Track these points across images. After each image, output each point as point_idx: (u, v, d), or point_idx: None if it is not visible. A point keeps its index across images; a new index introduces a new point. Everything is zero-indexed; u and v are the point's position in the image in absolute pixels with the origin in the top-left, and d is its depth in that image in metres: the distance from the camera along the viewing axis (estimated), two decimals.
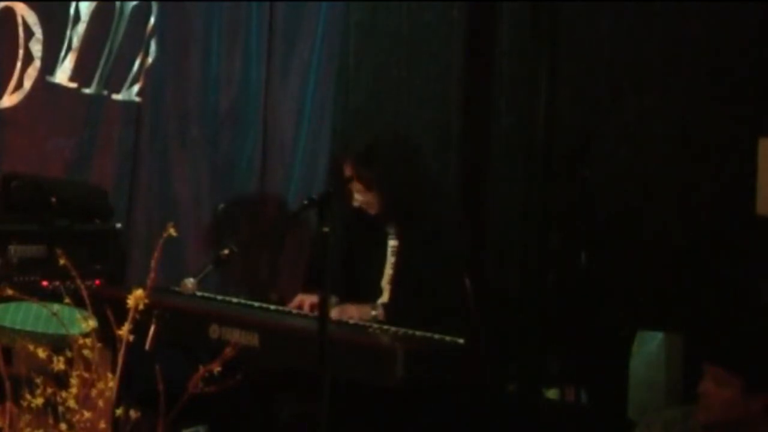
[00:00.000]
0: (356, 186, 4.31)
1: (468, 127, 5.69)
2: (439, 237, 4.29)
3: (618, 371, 4.96)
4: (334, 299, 4.26)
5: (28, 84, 4.85)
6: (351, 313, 4.19)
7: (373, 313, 4.20)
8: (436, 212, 4.37)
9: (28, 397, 2.73)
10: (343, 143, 5.47)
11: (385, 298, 4.33)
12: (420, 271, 4.26)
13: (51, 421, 2.73)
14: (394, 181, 4.30)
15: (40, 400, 2.71)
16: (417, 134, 5.56)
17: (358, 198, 4.31)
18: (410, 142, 4.70)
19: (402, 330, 3.93)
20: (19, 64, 4.82)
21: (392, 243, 4.38)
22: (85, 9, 4.92)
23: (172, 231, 2.86)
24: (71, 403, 2.69)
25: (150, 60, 5.04)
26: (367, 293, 4.34)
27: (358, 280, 4.39)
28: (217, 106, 5.22)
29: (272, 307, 4.32)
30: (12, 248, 4.43)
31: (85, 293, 2.87)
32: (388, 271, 4.37)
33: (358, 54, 5.55)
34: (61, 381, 2.74)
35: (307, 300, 4.29)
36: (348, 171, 4.35)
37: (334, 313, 4.10)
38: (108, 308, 2.82)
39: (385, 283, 4.36)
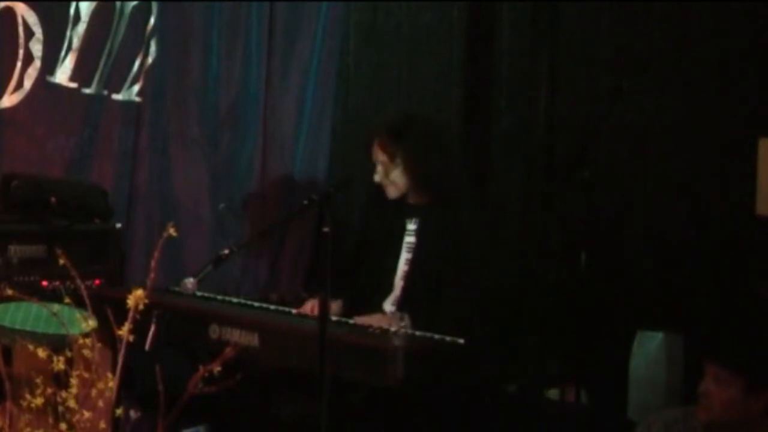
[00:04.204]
0: (381, 159, 4.29)
1: (468, 127, 5.69)
2: (460, 234, 4.26)
3: (618, 371, 4.96)
4: (337, 304, 4.27)
5: (28, 84, 4.85)
6: (380, 322, 4.10)
7: (402, 323, 4.11)
8: (460, 206, 4.33)
9: (28, 397, 2.73)
10: (343, 143, 5.47)
11: (396, 294, 4.31)
12: (437, 270, 4.23)
13: (51, 421, 2.73)
14: (421, 160, 4.26)
15: (40, 400, 2.72)
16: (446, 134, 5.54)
17: (380, 173, 4.28)
18: (444, 129, 4.72)
19: (402, 330, 3.93)
20: (19, 64, 4.83)
21: (408, 239, 4.36)
22: (85, 9, 4.92)
23: (172, 231, 2.87)
24: (71, 403, 2.69)
25: (150, 60, 5.04)
26: (379, 288, 4.33)
27: (370, 275, 4.37)
28: (217, 106, 5.22)
29: (272, 307, 4.31)
30: (12, 248, 4.43)
31: (85, 293, 2.87)
32: (402, 267, 4.34)
33: (358, 54, 5.55)
34: (61, 381, 2.74)
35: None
36: (375, 144, 4.30)
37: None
38: (108, 308, 2.82)
39: (398, 279, 4.34)
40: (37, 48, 4.85)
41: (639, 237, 5.24)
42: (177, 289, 4.17)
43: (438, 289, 4.20)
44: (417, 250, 4.30)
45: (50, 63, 4.88)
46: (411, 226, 4.34)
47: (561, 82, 5.48)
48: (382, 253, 4.37)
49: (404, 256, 4.33)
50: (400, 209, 4.35)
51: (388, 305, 4.28)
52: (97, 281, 4.46)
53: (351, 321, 4.11)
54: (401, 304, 4.25)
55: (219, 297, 4.43)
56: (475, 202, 4.47)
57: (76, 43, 4.91)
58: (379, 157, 4.28)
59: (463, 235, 4.25)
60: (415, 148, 4.27)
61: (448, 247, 4.22)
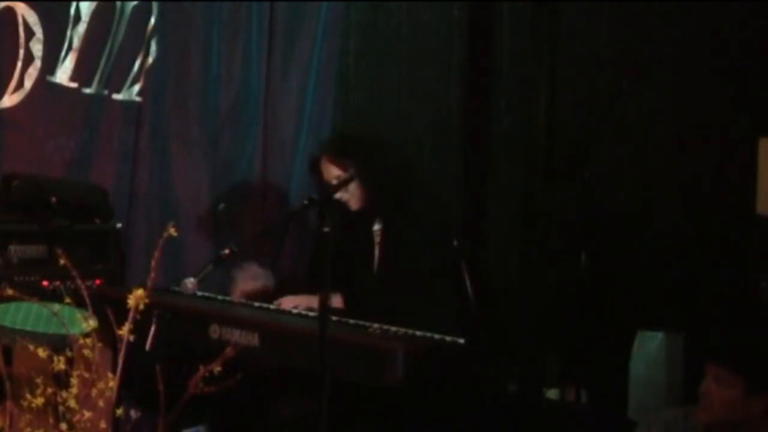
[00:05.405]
0: (335, 174, 4.33)
1: (468, 127, 5.70)
2: (425, 231, 4.32)
3: (618, 371, 4.96)
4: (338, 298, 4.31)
5: (28, 84, 4.85)
6: (297, 302, 4.25)
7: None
8: (420, 210, 4.39)
9: (29, 397, 2.74)
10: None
11: None
12: (404, 265, 4.27)
13: (51, 421, 2.73)
14: (373, 170, 4.34)
15: (40, 400, 2.72)
16: (417, 134, 5.57)
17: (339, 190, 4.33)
18: (386, 139, 4.90)
19: (402, 330, 3.93)
20: (19, 64, 4.82)
21: (378, 240, 4.41)
22: (86, 9, 4.92)
23: (172, 231, 2.87)
24: (72, 403, 2.70)
25: (150, 60, 5.04)
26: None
27: (351, 275, 4.40)
28: (217, 106, 5.22)
29: (272, 307, 4.32)
30: (12, 248, 4.43)
31: (85, 293, 2.87)
32: (376, 266, 4.40)
33: (358, 54, 5.55)
34: (61, 381, 2.74)
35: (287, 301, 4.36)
36: (325, 162, 4.38)
37: (281, 303, 4.26)
38: (108, 308, 2.82)
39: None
40: (37, 48, 4.85)
41: (639, 237, 5.25)
42: (177, 289, 4.17)
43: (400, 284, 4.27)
44: (383, 248, 4.36)
45: (50, 63, 4.87)
46: (377, 226, 4.42)
47: (561, 82, 5.49)
48: (356, 253, 4.40)
49: (376, 255, 4.38)
50: (365, 214, 4.40)
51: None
52: (97, 281, 4.45)
53: (275, 303, 4.27)
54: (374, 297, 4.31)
55: (219, 297, 4.43)
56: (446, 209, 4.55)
57: (76, 43, 4.91)
58: (333, 172, 4.34)
59: (426, 232, 4.34)
60: (365, 154, 4.37)
61: (411, 244, 4.30)
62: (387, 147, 4.63)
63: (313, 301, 4.26)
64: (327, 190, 4.25)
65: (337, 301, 4.29)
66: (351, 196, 4.35)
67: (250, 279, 4.55)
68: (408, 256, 4.28)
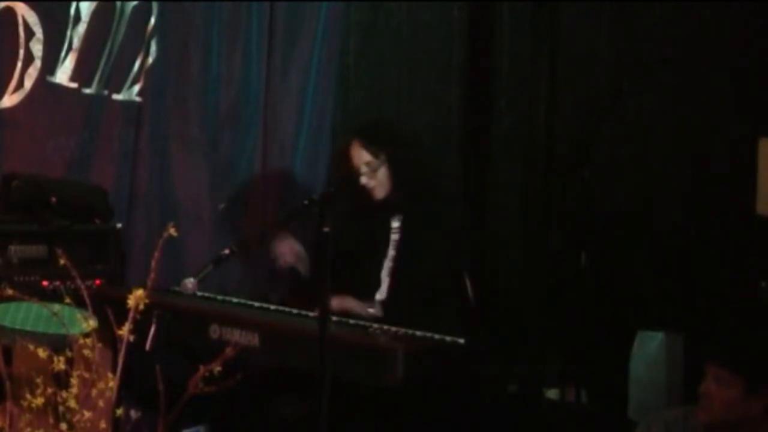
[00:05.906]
0: (366, 160, 4.35)
1: (468, 127, 5.70)
2: (440, 232, 4.33)
3: (618, 371, 4.96)
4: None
5: (28, 84, 4.85)
6: (351, 305, 4.25)
7: (371, 311, 4.24)
8: (439, 205, 4.42)
9: (29, 397, 2.74)
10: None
11: (383, 289, 4.34)
12: (420, 266, 4.27)
13: (51, 421, 2.73)
14: (403, 160, 4.38)
15: (40, 400, 2.72)
16: (417, 134, 5.57)
17: (366, 174, 4.34)
18: (410, 129, 5.01)
19: (402, 330, 3.93)
20: (19, 64, 4.83)
21: (394, 237, 4.40)
22: (86, 9, 4.92)
23: (172, 231, 2.87)
24: (72, 403, 2.70)
25: (150, 60, 5.04)
26: (366, 284, 4.36)
27: (357, 271, 4.40)
28: (217, 106, 5.22)
29: (272, 307, 4.32)
30: (12, 248, 4.43)
31: (85, 293, 2.87)
32: (388, 263, 4.39)
33: (358, 54, 5.55)
34: (61, 381, 2.74)
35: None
36: (356, 146, 4.39)
37: (334, 303, 4.17)
38: (108, 308, 2.82)
39: (384, 275, 4.38)
40: (37, 48, 4.85)
41: (639, 237, 5.24)
42: (177, 289, 4.17)
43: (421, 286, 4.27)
44: (401, 245, 4.35)
45: (50, 63, 4.88)
46: (395, 223, 4.40)
47: (561, 82, 5.49)
48: (368, 249, 4.41)
49: (391, 253, 4.38)
50: (384, 209, 4.39)
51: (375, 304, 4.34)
52: (97, 281, 4.46)
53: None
54: (388, 300, 4.31)
55: (219, 297, 4.43)
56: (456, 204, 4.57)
57: (76, 43, 4.91)
58: (364, 157, 4.38)
59: (445, 230, 4.37)
60: (398, 143, 4.43)
61: (430, 245, 4.31)
62: (417, 142, 4.71)
63: (345, 302, 4.27)
64: (354, 174, 4.28)
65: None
66: (378, 183, 4.37)
67: (291, 245, 4.59)
68: (424, 257, 4.29)
